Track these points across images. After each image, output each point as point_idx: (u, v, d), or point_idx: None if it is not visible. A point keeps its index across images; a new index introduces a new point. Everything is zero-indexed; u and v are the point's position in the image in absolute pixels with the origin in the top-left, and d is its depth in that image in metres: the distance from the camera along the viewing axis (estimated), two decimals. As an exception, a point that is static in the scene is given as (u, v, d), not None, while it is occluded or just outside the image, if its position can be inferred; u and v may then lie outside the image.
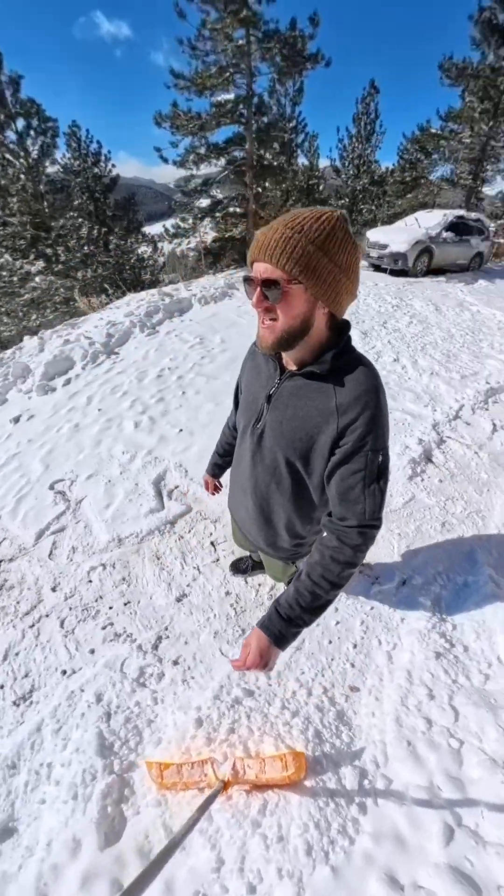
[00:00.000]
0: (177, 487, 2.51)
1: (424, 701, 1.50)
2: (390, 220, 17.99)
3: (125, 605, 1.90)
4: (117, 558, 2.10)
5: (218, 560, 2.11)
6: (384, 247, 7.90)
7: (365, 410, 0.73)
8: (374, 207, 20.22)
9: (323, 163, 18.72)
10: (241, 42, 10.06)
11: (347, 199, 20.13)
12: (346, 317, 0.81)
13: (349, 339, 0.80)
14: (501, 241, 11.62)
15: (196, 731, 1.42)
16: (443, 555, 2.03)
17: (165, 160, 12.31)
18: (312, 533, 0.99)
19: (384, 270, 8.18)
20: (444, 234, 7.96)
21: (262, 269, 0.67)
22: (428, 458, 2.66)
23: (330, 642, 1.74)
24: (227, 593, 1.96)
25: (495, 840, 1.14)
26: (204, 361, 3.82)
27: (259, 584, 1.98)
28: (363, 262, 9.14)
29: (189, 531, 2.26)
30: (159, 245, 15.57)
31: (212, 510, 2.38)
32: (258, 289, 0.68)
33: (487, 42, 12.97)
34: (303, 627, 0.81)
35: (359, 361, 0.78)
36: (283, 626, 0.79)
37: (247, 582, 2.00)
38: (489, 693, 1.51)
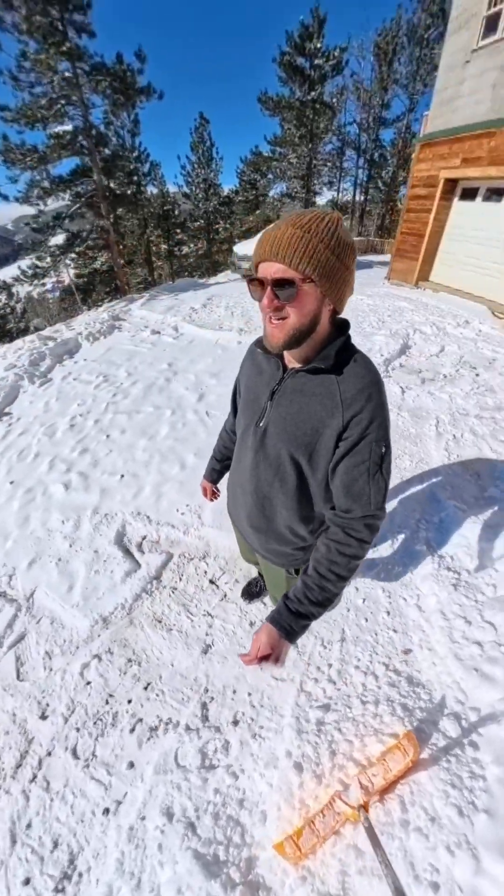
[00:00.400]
0: (145, 538, 2.21)
1: (465, 629, 1.65)
2: (245, 235, 20.12)
3: (145, 688, 1.57)
4: (111, 641, 1.72)
5: (225, 596, 1.93)
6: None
7: (368, 403, 0.75)
8: (228, 226, 22.32)
9: (172, 189, 19.93)
10: (67, 74, 9.91)
11: (203, 221, 21.81)
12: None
13: (349, 336, 0.82)
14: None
15: (301, 778, 1.26)
16: (414, 504, 2.29)
17: (6, 197, 11.25)
18: (313, 534, 0.99)
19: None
20: None
21: (273, 269, 0.68)
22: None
23: (366, 620, 1.77)
24: (252, 623, 1.81)
25: None
26: (117, 398, 3.50)
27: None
28: (235, 275, 9.89)
29: (180, 579, 2.01)
30: (13, 290, 13.86)
31: (195, 546, 2.17)
32: (269, 289, 0.69)
33: (292, 80, 16.10)
34: (312, 620, 0.82)
35: (360, 356, 0.81)
36: (293, 620, 0.80)
37: (265, 604, 1.88)
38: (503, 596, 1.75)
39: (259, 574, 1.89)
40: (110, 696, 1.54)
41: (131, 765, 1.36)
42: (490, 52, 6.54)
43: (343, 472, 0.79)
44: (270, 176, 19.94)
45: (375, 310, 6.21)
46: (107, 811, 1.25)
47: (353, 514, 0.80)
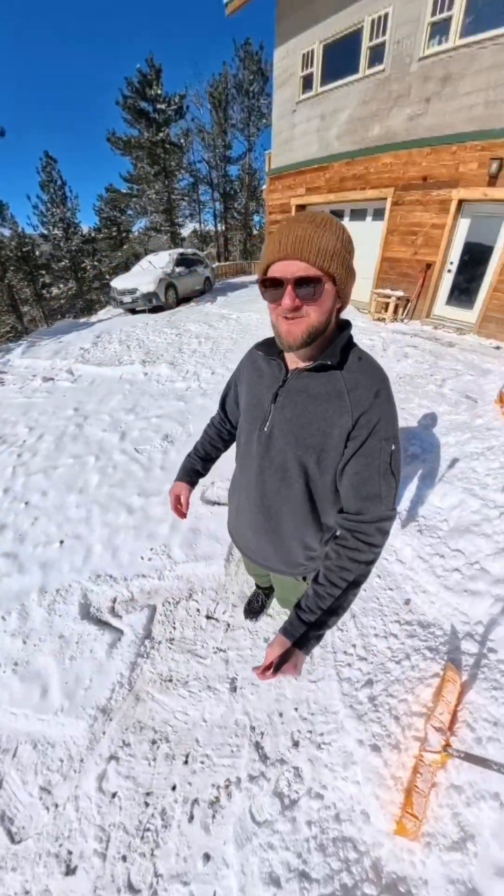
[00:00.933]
0: (115, 600, 1.89)
1: (442, 562, 1.90)
2: (114, 271, 19.72)
3: (186, 762, 1.34)
4: (122, 732, 1.41)
5: (229, 626, 1.80)
6: (134, 291, 8.61)
7: (377, 400, 0.74)
8: (95, 263, 21.05)
9: (29, 230, 18.64)
10: None
11: (68, 261, 20.20)
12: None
13: (351, 336, 0.82)
14: (215, 264, 14.60)
15: (382, 757, 1.26)
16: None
17: None
18: (322, 543, 0.96)
19: (140, 312, 8.87)
20: (177, 269, 9.46)
21: (295, 268, 0.67)
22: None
23: (364, 590, 1.88)
24: (266, 639, 1.73)
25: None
26: (24, 459, 2.91)
27: (284, 611, 1.85)
28: (118, 310, 9.44)
29: (174, 627, 1.79)
30: None
31: (177, 588, 1.97)
32: (290, 287, 0.67)
33: (138, 122, 16.38)
34: (326, 630, 0.80)
35: (364, 353, 0.80)
36: (307, 631, 0.78)
37: (271, 616, 1.82)
38: (457, 525, 2.08)
39: (257, 586, 1.83)
40: (148, 794, 1.26)
41: (207, 857, 1.13)
42: (311, 104, 8.10)
43: (353, 473, 0.77)
44: (131, 212, 20.30)
45: (265, 323, 6.74)
46: (202, 927, 1.01)
47: (365, 516, 0.77)
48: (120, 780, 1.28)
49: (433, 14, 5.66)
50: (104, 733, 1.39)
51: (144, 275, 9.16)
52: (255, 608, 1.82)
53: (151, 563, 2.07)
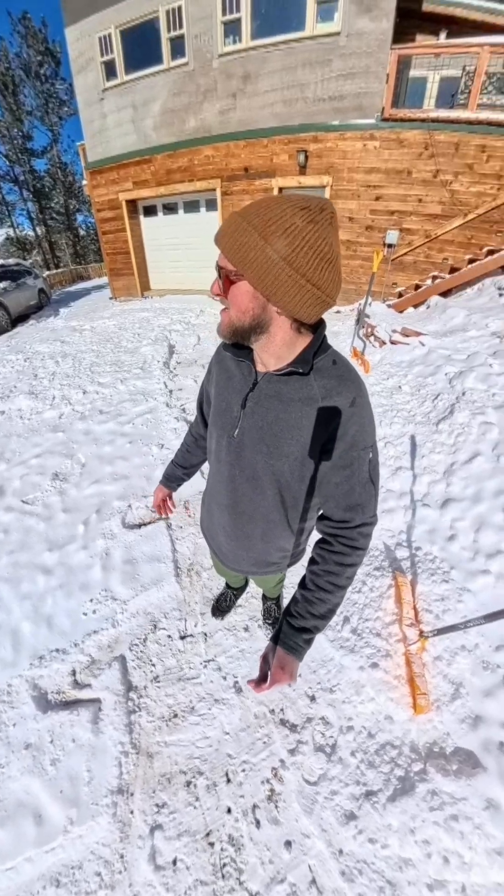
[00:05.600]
0: (74, 671, 1.59)
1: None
2: None
3: (228, 780, 1.30)
4: (148, 799, 1.25)
5: (206, 635, 1.75)
6: None
7: (353, 409, 0.70)
8: None
9: None
10: None
11: None
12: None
13: (325, 337, 0.75)
14: (46, 273, 12.32)
15: (382, 667, 1.50)
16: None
17: None
18: (298, 545, 0.97)
19: None
20: (3, 285, 8.23)
21: (220, 256, 0.64)
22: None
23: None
24: (246, 629, 1.76)
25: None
26: None
27: (252, 596, 1.90)
28: None
29: (153, 665, 1.63)
30: None
31: (138, 626, 1.78)
32: (216, 276, 0.65)
33: None
34: (316, 633, 0.80)
35: (339, 357, 0.75)
36: (299, 637, 0.78)
37: (242, 605, 1.85)
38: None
39: (228, 586, 1.82)
40: (207, 835, 1.18)
41: (288, 844, 1.16)
42: (119, 92, 7.25)
43: (334, 485, 0.75)
44: None
45: (124, 327, 6.29)
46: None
47: (348, 524, 0.77)
48: (173, 844, 1.16)
49: (224, 13, 5.90)
50: (132, 812, 1.21)
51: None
52: (223, 607, 1.81)
53: (98, 614, 1.81)
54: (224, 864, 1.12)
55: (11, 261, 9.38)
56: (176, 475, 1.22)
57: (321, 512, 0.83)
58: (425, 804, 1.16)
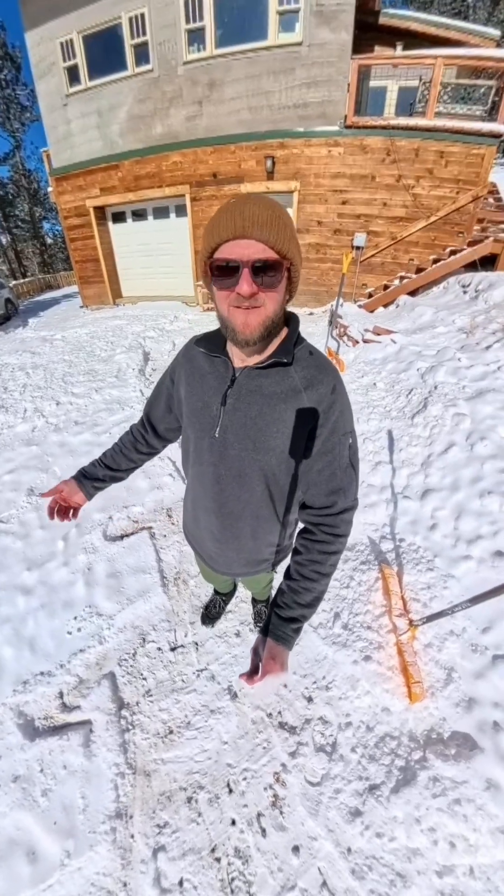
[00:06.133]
0: (61, 693, 1.51)
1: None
2: None
3: (230, 791, 1.27)
4: (148, 820, 1.20)
5: (197, 644, 1.71)
6: None
7: (334, 396, 0.73)
8: None
9: None
10: None
11: None
12: None
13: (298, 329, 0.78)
14: (12, 283, 11.88)
15: (375, 659, 1.51)
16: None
17: None
18: (287, 538, 0.97)
19: None
20: None
21: (252, 250, 0.59)
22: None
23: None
24: (237, 634, 1.74)
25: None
26: None
27: (241, 600, 1.88)
28: None
29: (144, 679, 1.58)
30: None
31: (126, 641, 1.72)
32: (247, 271, 0.59)
33: None
34: (304, 622, 0.81)
35: (314, 348, 0.78)
36: (287, 627, 0.78)
37: (232, 611, 1.83)
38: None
39: (216, 592, 1.79)
40: (213, 850, 1.14)
41: (296, 849, 1.14)
42: (83, 98, 7.06)
43: (317, 471, 0.76)
44: None
45: (97, 336, 6.12)
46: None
47: (330, 510, 0.78)
48: (178, 864, 1.11)
49: (188, 22, 5.89)
50: (133, 837, 1.16)
51: None
52: (213, 614, 1.77)
53: (83, 632, 1.73)
54: (232, 879, 1.09)
55: None
56: (96, 475, 1.03)
57: (303, 501, 0.83)
58: (428, 791, 1.17)
